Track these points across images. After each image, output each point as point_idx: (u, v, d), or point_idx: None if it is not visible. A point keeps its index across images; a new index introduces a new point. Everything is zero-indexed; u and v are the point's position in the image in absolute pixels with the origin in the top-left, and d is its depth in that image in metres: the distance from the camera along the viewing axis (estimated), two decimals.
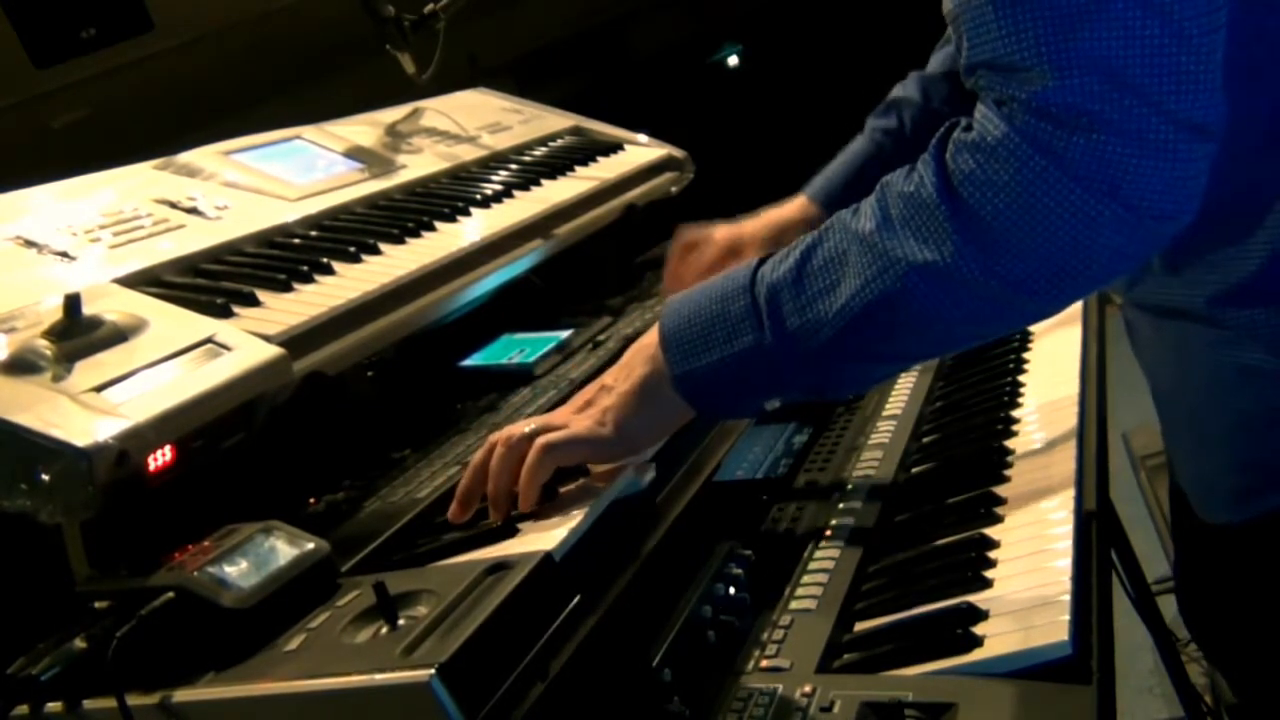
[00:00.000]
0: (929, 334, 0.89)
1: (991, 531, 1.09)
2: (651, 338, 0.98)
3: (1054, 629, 0.91)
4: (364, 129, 1.78)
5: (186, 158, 1.51)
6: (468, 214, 1.55)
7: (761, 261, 0.94)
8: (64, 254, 1.19)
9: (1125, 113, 0.76)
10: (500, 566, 0.83)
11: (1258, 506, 0.89)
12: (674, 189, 1.95)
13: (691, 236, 1.43)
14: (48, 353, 0.98)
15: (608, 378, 1.01)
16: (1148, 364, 1.06)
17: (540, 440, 0.97)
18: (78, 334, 1.01)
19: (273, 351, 1.06)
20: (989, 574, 1.02)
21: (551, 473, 0.97)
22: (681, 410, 0.98)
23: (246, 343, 1.07)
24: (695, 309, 0.96)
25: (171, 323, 1.08)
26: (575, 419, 1.00)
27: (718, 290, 0.95)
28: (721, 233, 1.41)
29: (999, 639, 0.92)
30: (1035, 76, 0.77)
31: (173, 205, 1.36)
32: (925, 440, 1.36)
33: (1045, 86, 0.77)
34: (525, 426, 0.99)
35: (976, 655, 0.92)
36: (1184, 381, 0.95)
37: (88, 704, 0.82)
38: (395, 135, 1.79)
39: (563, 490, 1.02)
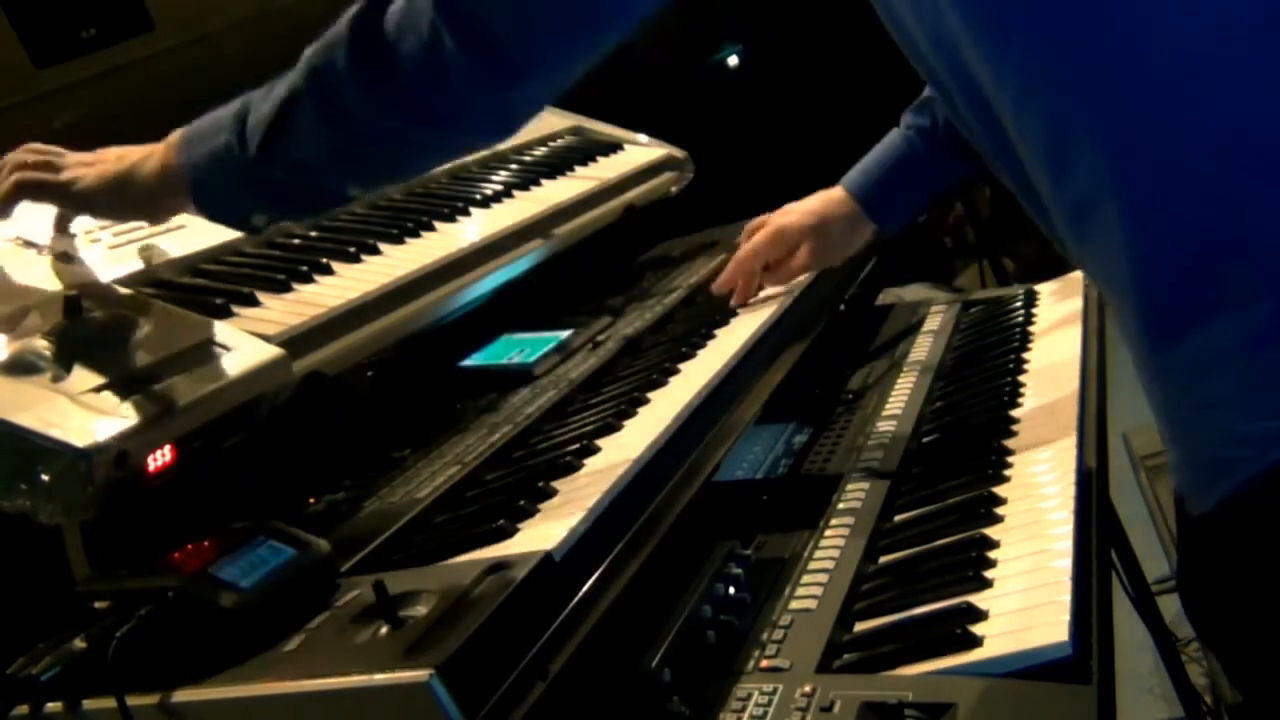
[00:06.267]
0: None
1: (991, 531, 1.09)
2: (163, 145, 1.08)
3: (1054, 629, 0.91)
4: None
5: None
6: (467, 214, 1.55)
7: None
8: (64, 254, 1.19)
9: None
10: (500, 566, 0.83)
11: (1213, 496, 0.88)
12: (674, 189, 1.95)
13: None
14: (48, 353, 0.98)
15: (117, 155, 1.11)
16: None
17: (22, 177, 1.12)
18: (78, 334, 1.01)
19: (273, 351, 1.06)
20: (989, 574, 1.02)
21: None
22: (155, 202, 1.10)
23: (246, 343, 1.07)
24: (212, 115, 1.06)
25: (171, 323, 1.08)
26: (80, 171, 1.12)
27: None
28: (768, 219, 1.51)
29: (999, 639, 0.92)
30: None
31: None
32: (925, 440, 1.36)
33: None
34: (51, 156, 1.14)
35: (976, 655, 0.92)
36: (1141, 377, 0.95)
37: (88, 704, 0.82)
38: None
39: (563, 490, 1.02)
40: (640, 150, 2.00)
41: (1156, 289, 0.81)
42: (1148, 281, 0.81)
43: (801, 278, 1.54)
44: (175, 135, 1.08)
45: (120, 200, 1.11)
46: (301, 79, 0.99)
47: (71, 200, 1.13)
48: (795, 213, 1.49)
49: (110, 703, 0.79)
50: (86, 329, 1.02)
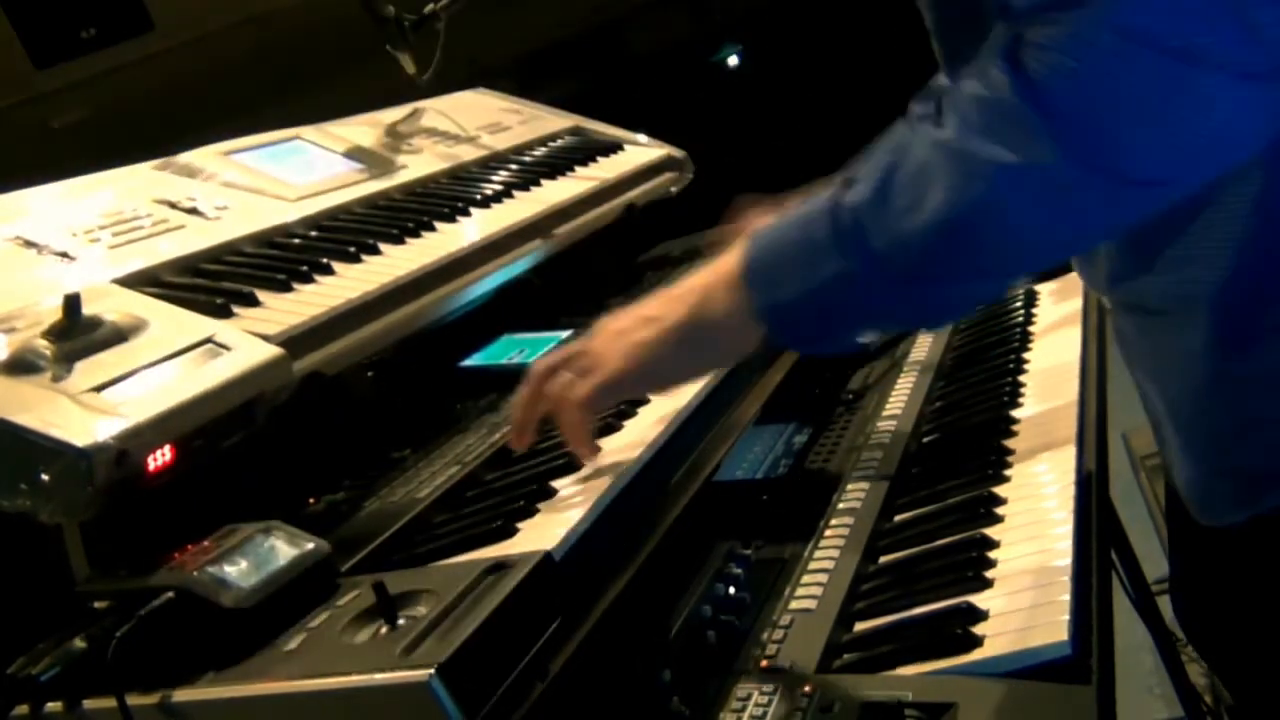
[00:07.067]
0: (1024, 243, 0.82)
1: (991, 531, 1.09)
2: (709, 276, 0.94)
3: (1054, 629, 0.91)
4: (364, 129, 1.78)
5: (186, 158, 1.51)
6: (468, 214, 1.55)
7: (848, 183, 0.88)
8: (64, 254, 1.19)
9: None
10: (500, 566, 0.83)
11: (1243, 511, 0.88)
12: (673, 189, 1.95)
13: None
14: (47, 353, 0.98)
15: (652, 308, 0.99)
16: (1135, 370, 1.05)
17: (574, 400, 1.01)
18: (78, 334, 1.01)
19: (272, 351, 1.06)
20: (989, 574, 1.02)
21: (597, 418, 1.05)
22: (734, 347, 0.97)
23: (246, 343, 1.07)
24: (779, 238, 0.91)
25: (171, 323, 1.08)
26: (607, 355, 1.00)
27: (801, 218, 0.90)
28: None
29: (999, 639, 0.92)
30: None
31: (172, 205, 1.36)
32: (925, 440, 1.36)
33: None
34: (559, 380, 1.03)
35: (976, 655, 0.92)
36: (1164, 387, 0.95)
37: (88, 704, 0.83)
38: (395, 135, 1.79)
39: (563, 490, 1.02)
40: (640, 150, 2.00)
41: (1254, 291, 0.81)
42: (1246, 282, 0.81)
43: None
44: (730, 277, 0.93)
45: (688, 358, 1.00)
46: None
47: (623, 388, 1.03)
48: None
49: (110, 703, 0.79)
50: (86, 329, 1.02)
